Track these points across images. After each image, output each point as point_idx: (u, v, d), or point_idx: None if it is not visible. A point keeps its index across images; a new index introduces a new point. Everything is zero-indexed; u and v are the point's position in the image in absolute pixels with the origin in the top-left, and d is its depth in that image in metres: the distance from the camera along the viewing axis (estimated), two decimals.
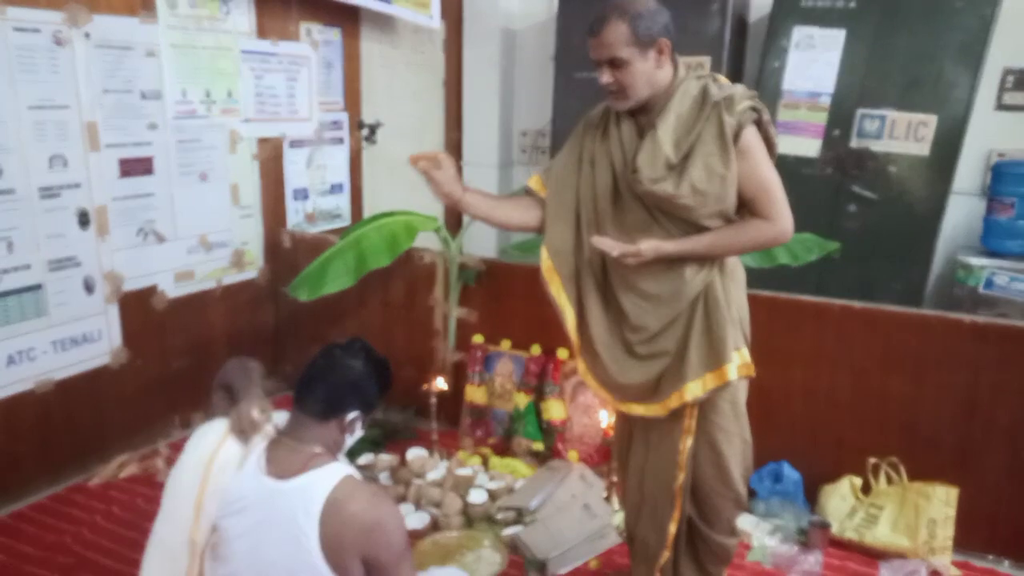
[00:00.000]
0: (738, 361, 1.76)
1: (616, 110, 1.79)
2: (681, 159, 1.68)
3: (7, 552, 2.35)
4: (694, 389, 1.75)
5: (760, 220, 1.73)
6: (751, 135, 1.68)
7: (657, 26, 1.66)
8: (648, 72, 1.68)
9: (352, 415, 1.62)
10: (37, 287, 2.60)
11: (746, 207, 1.74)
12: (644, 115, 1.76)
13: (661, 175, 1.68)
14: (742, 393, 1.86)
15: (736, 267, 1.87)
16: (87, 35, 2.63)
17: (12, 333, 2.54)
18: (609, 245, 1.73)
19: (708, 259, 1.77)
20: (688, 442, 1.82)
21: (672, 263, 1.75)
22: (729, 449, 1.84)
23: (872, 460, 2.51)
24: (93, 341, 2.79)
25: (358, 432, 1.68)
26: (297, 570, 1.50)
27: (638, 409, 1.86)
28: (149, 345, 3.01)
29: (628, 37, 1.65)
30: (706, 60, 3.50)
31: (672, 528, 1.88)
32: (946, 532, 2.37)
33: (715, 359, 1.74)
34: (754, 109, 1.68)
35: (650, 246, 1.72)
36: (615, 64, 1.68)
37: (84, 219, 2.71)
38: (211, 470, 1.54)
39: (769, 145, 1.74)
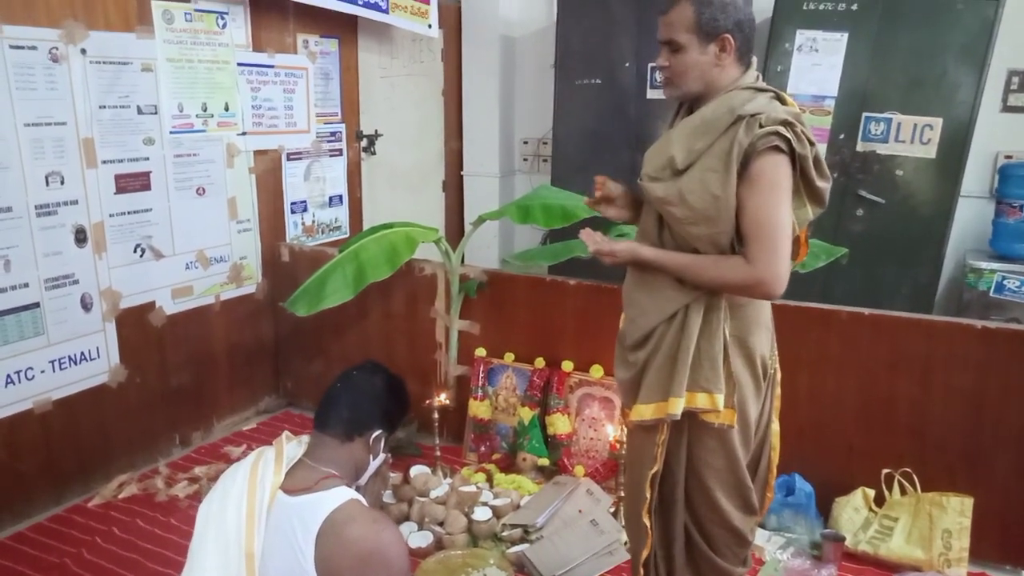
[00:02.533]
0: (702, 403, 1.61)
1: (666, 97, 1.70)
2: (686, 166, 1.58)
3: (8, 574, 2.33)
4: (641, 411, 1.67)
5: (741, 259, 1.55)
6: (768, 165, 1.51)
7: (726, 20, 1.55)
8: (703, 66, 1.58)
9: (376, 433, 1.64)
10: (35, 305, 2.57)
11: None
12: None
13: (659, 175, 1.61)
14: (736, 436, 1.68)
15: (749, 306, 1.68)
16: (83, 51, 2.61)
17: (10, 353, 2.52)
18: (589, 239, 1.66)
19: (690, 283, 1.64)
20: (654, 469, 1.70)
21: (660, 276, 1.66)
22: (717, 485, 1.69)
23: (885, 471, 2.47)
24: (91, 359, 2.76)
25: (382, 455, 1.69)
26: None
27: (646, 411, 1.74)
28: (148, 363, 2.98)
29: (690, 22, 1.56)
30: None
31: (644, 554, 1.77)
32: (961, 543, 2.33)
33: (662, 390, 1.64)
34: (780, 135, 1.50)
35: (626, 247, 1.64)
36: (672, 47, 1.60)
37: (81, 236, 2.68)
38: (255, 484, 1.53)
39: (807, 185, 1.57)
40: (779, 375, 1.83)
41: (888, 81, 3.37)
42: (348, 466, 1.61)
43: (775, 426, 1.84)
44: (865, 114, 3.42)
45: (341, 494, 1.52)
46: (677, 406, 1.61)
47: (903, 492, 2.46)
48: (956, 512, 2.34)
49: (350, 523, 1.47)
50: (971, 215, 3.63)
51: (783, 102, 1.60)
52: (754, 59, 1.66)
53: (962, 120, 3.28)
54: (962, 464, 2.42)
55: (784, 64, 3.51)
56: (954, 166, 3.32)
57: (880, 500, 2.49)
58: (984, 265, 3.32)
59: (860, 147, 3.44)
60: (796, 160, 1.53)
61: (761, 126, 1.50)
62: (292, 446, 1.63)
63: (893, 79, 3.37)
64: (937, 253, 3.42)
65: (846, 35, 3.40)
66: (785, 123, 1.51)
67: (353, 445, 1.62)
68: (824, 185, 1.59)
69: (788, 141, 1.51)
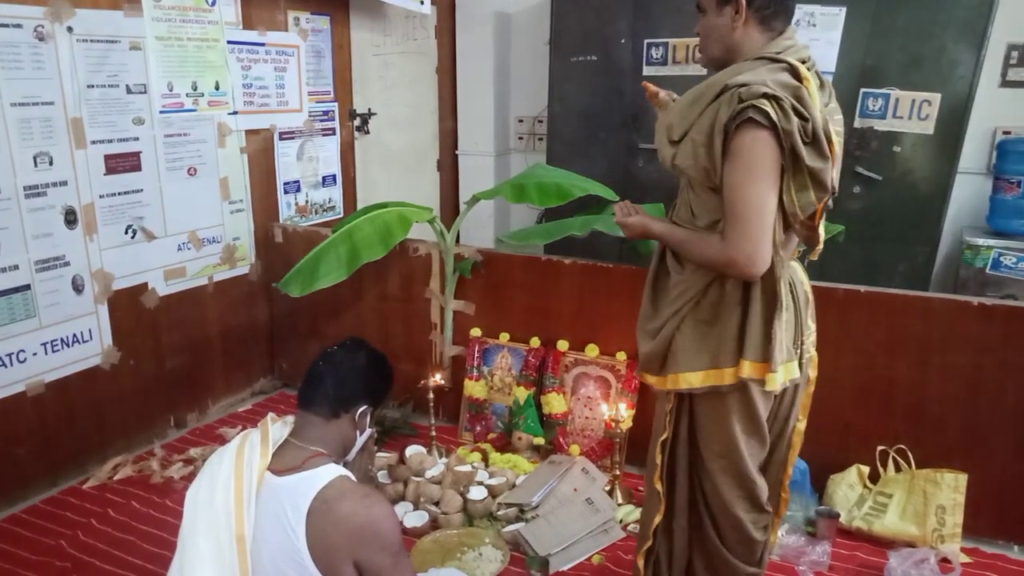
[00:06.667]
0: (712, 380, 1.59)
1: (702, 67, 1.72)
2: (681, 135, 1.56)
3: (4, 557, 2.33)
4: (689, 379, 1.63)
5: (719, 237, 1.50)
6: (746, 141, 1.42)
7: None
8: (720, 29, 1.57)
9: (362, 408, 1.64)
10: (25, 288, 2.55)
11: None
12: None
13: (664, 148, 1.60)
14: (737, 425, 1.62)
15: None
16: (70, 29, 2.57)
17: (1, 335, 2.50)
18: (617, 209, 1.70)
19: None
20: (664, 436, 1.71)
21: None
22: (716, 468, 1.66)
23: (880, 448, 2.47)
24: (84, 342, 2.75)
25: (368, 430, 1.69)
26: (285, 567, 1.48)
27: (649, 379, 1.75)
28: (141, 344, 2.97)
29: None
30: None
31: (656, 519, 1.78)
32: (955, 519, 2.34)
33: (710, 359, 1.61)
34: (757, 109, 1.40)
35: (638, 220, 1.64)
36: (699, 9, 1.62)
37: (71, 218, 2.66)
38: (242, 467, 1.52)
39: (796, 163, 1.45)
40: (814, 373, 1.78)
41: (886, 56, 3.33)
42: (335, 443, 1.61)
43: (800, 425, 1.79)
44: (863, 90, 3.38)
45: (329, 471, 1.52)
46: (727, 375, 1.58)
47: (897, 469, 2.47)
48: (950, 488, 2.34)
49: (340, 499, 1.47)
50: (969, 191, 3.60)
51: (796, 74, 1.49)
52: (790, 28, 1.59)
53: (961, 95, 3.24)
54: (958, 440, 2.42)
55: None
56: (952, 142, 3.29)
57: (875, 477, 2.50)
58: (981, 242, 3.30)
59: (858, 123, 3.41)
60: (781, 135, 1.42)
61: (741, 100, 1.42)
62: (277, 427, 1.62)
63: (891, 54, 3.32)
64: (934, 230, 3.40)
65: (844, 10, 3.35)
66: (767, 96, 1.40)
67: (339, 422, 1.62)
68: (817, 165, 1.45)
69: (767, 115, 1.40)
